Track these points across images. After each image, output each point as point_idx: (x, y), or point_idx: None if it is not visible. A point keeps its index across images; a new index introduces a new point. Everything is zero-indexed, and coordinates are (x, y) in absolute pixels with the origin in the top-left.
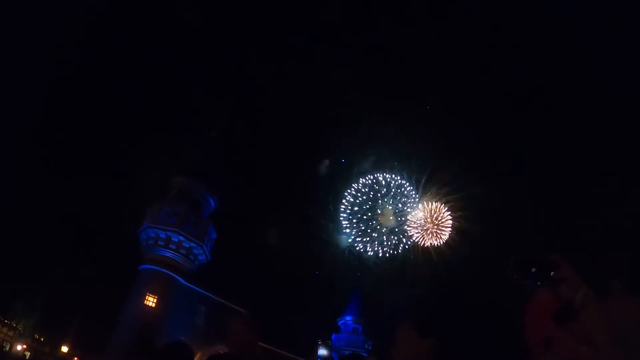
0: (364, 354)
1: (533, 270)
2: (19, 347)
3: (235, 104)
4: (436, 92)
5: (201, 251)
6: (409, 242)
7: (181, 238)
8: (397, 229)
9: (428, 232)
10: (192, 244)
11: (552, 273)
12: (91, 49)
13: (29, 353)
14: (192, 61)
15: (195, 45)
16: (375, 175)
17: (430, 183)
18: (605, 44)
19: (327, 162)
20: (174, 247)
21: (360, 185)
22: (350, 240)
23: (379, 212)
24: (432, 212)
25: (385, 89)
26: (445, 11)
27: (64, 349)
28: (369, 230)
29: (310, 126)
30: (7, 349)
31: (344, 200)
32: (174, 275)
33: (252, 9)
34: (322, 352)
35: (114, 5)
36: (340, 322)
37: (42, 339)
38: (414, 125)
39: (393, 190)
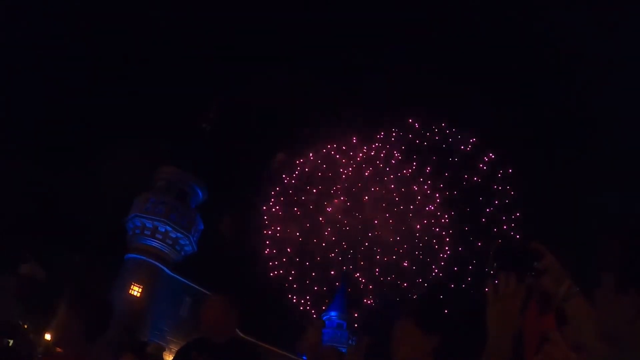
0: (343, 350)
1: (513, 259)
2: None
3: (225, 94)
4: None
5: (187, 242)
6: None
7: (168, 228)
8: None
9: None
10: (179, 235)
11: (534, 263)
12: (75, 40)
13: (11, 340)
14: (182, 53)
15: (184, 36)
16: None
17: None
18: None
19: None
20: (160, 237)
21: None
22: None
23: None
24: None
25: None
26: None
27: (47, 336)
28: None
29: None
30: None
31: None
32: (160, 266)
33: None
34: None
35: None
36: (324, 317)
37: (25, 326)
38: None
39: None
